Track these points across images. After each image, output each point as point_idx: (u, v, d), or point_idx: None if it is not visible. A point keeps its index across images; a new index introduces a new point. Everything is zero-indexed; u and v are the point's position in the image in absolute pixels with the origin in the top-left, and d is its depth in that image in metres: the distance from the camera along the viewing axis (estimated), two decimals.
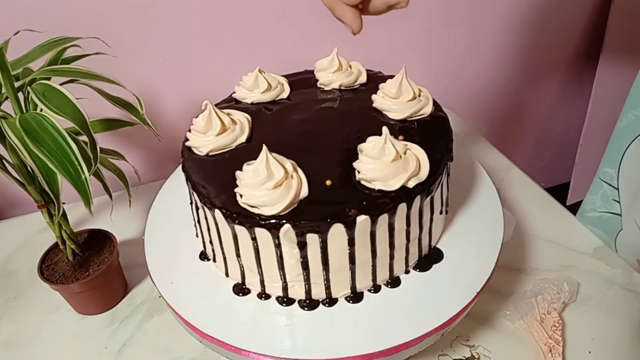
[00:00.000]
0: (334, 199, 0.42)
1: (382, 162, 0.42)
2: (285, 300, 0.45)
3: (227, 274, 0.48)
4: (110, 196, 0.52)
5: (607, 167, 0.68)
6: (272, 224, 0.40)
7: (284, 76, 0.59)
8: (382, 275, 0.45)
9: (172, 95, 0.79)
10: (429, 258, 0.48)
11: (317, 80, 0.58)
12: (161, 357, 0.54)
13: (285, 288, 0.45)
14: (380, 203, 0.41)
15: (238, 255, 0.45)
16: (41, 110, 0.43)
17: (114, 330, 0.58)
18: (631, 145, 0.64)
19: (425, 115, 0.51)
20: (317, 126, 0.51)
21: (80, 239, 0.59)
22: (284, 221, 0.40)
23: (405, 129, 0.50)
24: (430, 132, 0.49)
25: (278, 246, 0.41)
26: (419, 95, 0.51)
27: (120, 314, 0.59)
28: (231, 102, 0.57)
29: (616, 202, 0.67)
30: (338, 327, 0.43)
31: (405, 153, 0.43)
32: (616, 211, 0.67)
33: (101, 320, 0.59)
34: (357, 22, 0.43)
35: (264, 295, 0.46)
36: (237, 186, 0.42)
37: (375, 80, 0.57)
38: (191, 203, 0.50)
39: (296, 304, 0.45)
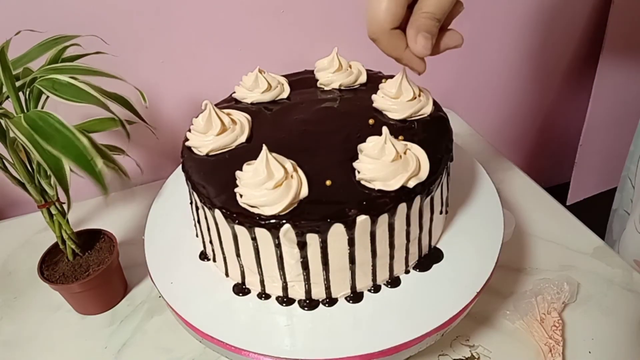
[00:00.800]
0: (334, 199, 0.42)
1: (382, 162, 0.42)
2: (285, 300, 0.45)
3: (227, 274, 0.48)
4: (122, 172, 0.52)
5: (632, 164, 0.68)
6: (272, 224, 0.40)
7: (284, 76, 0.59)
8: (382, 275, 0.45)
9: (172, 95, 0.79)
10: (429, 258, 0.48)
11: (317, 80, 0.58)
12: (161, 357, 0.54)
13: (285, 288, 0.45)
14: (380, 203, 0.41)
15: (238, 255, 0.45)
16: (42, 107, 0.43)
17: (114, 330, 0.58)
18: None
19: (425, 115, 0.51)
20: (317, 126, 0.51)
21: (80, 239, 0.59)
22: (284, 221, 0.40)
23: (405, 129, 0.50)
24: (430, 132, 0.49)
25: (278, 246, 0.41)
26: (419, 95, 0.51)
27: (120, 314, 0.59)
28: (231, 102, 0.57)
29: (630, 202, 0.67)
30: (338, 327, 0.43)
31: (405, 153, 0.43)
32: (628, 210, 0.67)
33: (101, 320, 0.59)
34: (423, 64, 0.41)
35: (264, 295, 0.46)
36: (237, 186, 0.42)
37: (375, 80, 0.57)
38: (191, 203, 0.50)
39: (296, 304, 0.45)
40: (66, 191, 0.43)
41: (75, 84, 0.43)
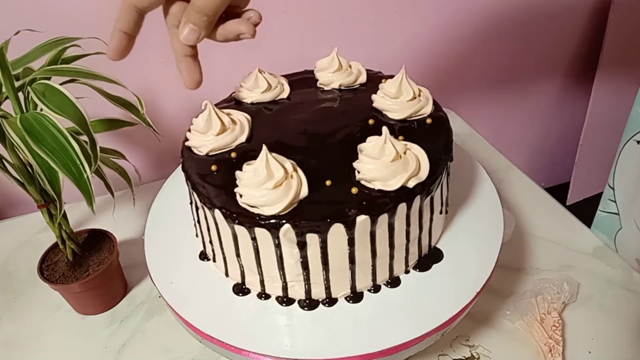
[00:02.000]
0: (334, 199, 0.42)
1: (382, 162, 0.42)
2: (285, 300, 0.45)
3: (227, 274, 0.48)
4: (112, 194, 0.52)
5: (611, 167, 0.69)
6: (272, 224, 0.40)
7: (284, 76, 0.59)
8: (382, 275, 0.45)
9: (172, 95, 0.79)
10: (429, 258, 0.48)
11: (317, 80, 0.58)
12: (161, 357, 0.54)
13: (285, 288, 0.45)
14: (380, 203, 0.41)
15: (238, 255, 0.45)
16: (41, 110, 0.43)
17: (114, 330, 0.58)
18: (627, 145, 0.64)
19: (425, 115, 0.51)
20: (317, 126, 0.51)
21: (80, 239, 0.59)
22: (284, 221, 0.40)
23: (405, 129, 0.50)
24: (430, 132, 0.49)
25: (278, 246, 0.41)
26: (419, 95, 0.51)
27: (120, 314, 0.59)
28: (231, 102, 0.57)
29: (611, 202, 0.67)
30: (338, 327, 0.43)
31: (405, 153, 0.43)
32: (612, 210, 0.67)
33: (101, 320, 0.59)
34: (194, 74, 0.42)
35: (263, 295, 0.46)
36: (237, 186, 0.42)
37: (375, 80, 0.57)
38: (191, 203, 0.50)
39: (296, 304, 0.45)
40: (58, 195, 0.43)
41: (66, 94, 0.43)
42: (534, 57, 1.03)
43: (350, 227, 0.40)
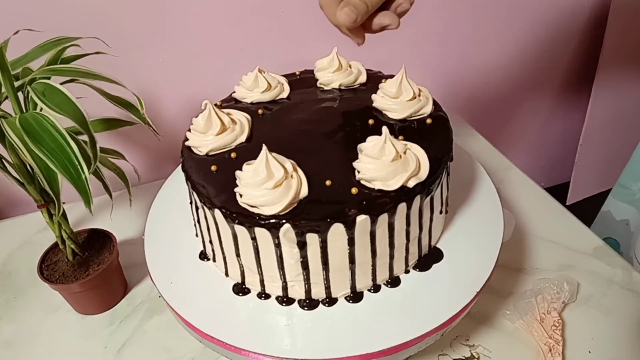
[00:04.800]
0: (334, 198, 0.42)
1: (382, 162, 0.42)
2: (285, 300, 0.45)
3: (227, 274, 0.48)
4: (110, 195, 0.52)
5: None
6: (272, 224, 0.40)
7: (284, 76, 0.59)
8: (382, 275, 0.45)
9: (172, 95, 0.79)
10: (429, 258, 0.48)
11: (317, 80, 0.58)
12: (161, 357, 0.54)
13: (285, 288, 0.45)
14: (380, 203, 0.41)
15: (238, 255, 0.45)
16: (41, 109, 0.43)
17: (114, 330, 0.58)
18: None
19: (425, 115, 0.51)
20: (317, 126, 0.51)
21: (80, 238, 0.59)
22: (284, 221, 0.40)
23: (405, 129, 0.50)
24: (430, 132, 0.49)
25: (278, 246, 0.41)
26: (419, 95, 0.51)
27: (120, 314, 0.59)
28: (231, 102, 0.57)
29: None
30: (338, 327, 0.43)
31: (405, 153, 0.43)
32: None
33: (101, 320, 0.59)
34: (361, 34, 0.45)
35: (263, 295, 0.46)
36: (237, 186, 0.42)
37: (375, 80, 0.57)
38: (191, 203, 0.50)
39: (296, 303, 0.45)
40: (56, 195, 0.43)
41: (66, 93, 0.43)
42: (535, 56, 1.03)
43: (350, 227, 0.40)
